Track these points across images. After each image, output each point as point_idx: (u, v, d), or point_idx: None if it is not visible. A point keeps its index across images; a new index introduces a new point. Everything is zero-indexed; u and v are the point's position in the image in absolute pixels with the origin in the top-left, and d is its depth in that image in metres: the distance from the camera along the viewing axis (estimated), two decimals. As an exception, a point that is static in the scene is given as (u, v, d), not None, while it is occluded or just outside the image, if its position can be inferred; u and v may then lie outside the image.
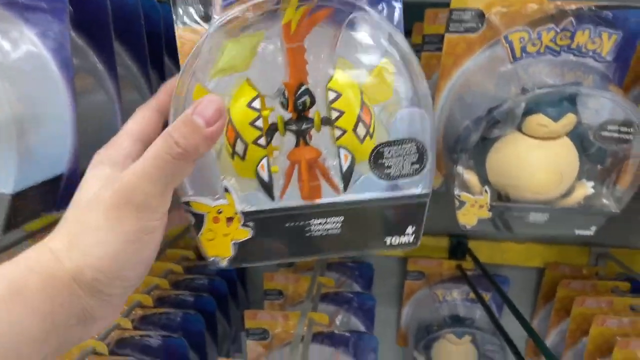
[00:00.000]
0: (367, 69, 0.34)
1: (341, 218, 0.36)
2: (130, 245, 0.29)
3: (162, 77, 0.58)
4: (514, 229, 0.51)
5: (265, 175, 0.35)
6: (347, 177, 0.35)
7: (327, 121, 0.34)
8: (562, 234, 0.50)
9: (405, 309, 0.98)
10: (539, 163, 0.48)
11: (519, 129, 0.48)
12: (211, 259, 0.36)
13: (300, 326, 0.65)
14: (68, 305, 0.28)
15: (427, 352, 0.93)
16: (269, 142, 0.35)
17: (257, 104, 0.33)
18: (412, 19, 0.78)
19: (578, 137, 0.48)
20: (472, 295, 0.91)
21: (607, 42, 0.46)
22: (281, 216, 0.36)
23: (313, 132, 0.35)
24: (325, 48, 0.33)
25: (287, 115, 0.35)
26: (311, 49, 0.33)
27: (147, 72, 0.53)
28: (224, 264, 0.36)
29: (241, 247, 0.36)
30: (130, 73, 0.53)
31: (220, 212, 0.35)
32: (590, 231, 0.50)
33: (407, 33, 0.81)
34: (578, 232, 0.50)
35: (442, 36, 0.69)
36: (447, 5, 0.73)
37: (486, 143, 0.50)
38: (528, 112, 0.46)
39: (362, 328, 0.83)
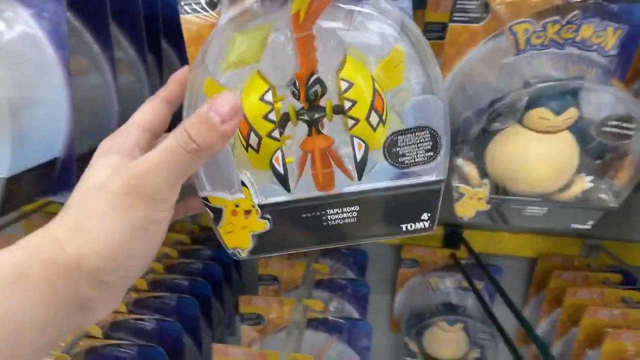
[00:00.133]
0: (378, 56, 0.33)
1: (357, 207, 0.36)
2: (136, 234, 0.29)
3: (160, 60, 0.57)
4: (511, 222, 0.51)
5: (280, 168, 0.35)
6: (361, 166, 0.35)
7: (339, 109, 0.34)
8: (559, 227, 0.50)
9: (399, 296, 0.98)
10: (539, 156, 0.47)
11: (520, 122, 0.48)
12: (231, 250, 0.37)
13: (295, 312, 0.65)
14: (69, 293, 0.28)
15: (418, 338, 0.94)
16: (282, 133, 0.34)
17: (269, 97, 0.33)
18: (413, 6, 0.77)
19: (579, 131, 0.48)
20: (464, 283, 0.92)
21: (612, 36, 0.46)
22: (297, 207, 0.36)
23: (325, 120, 0.35)
24: (335, 34, 0.33)
25: (299, 104, 0.34)
26: (321, 35, 0.33)
27: (144, 54, 0.52)
28: (243, 255, 0.37)
29: (260, 238, 0.37)
30: (127, 55, 0.52)
31: (238, 206, 0.35)
32: (587, 225, 0.50)
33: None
34: (575, 226, 0.51)
35: (445, 24, 0.68)
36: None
37: (487, 135, 0.49)
38: (530, 105, 0.46)
39: (355, 314, 0.84)
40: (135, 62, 0.53)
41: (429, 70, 0.34)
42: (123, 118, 0.47)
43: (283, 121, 0.34)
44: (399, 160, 0.35)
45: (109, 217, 0.28)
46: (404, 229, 0.37)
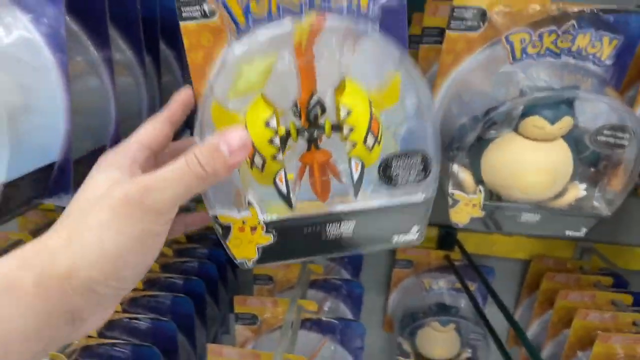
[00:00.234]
0: (375, 79, 0.35)
1: (353, 223, 0.39)
2: (132, 246, 0.29)
3: (157, 62, 0.57)
4: (505, 229, 0.52)
5: (283, 187, 0.37)
6: (357, 185, 0.38)
7: (337, 127, 0.36)
8: (553, 235, 0.51)
9: (393, 296, 0.99)
10: (533, 164, 0.48)
11: (515, 130, 0.48)
12: (239, 260, 0.40)
13: (289, 313, 0.66)
14: (59, 304, 0.28)
15: (411, 338, 0.95)
16: (284, 153, 0.36)
17: (273, 122, 0.34)
18: (411, 9, 0.77)
19: (573, 139, 0.48)
20: (458, 284, 0.92)
21: (607, 46, 0.46)
22: (299, 223, 0.39)
23: (323, 136, 0.37)
24: (335, 56, 0.34)
25: (299, 122, 0.36)
26: (321, 56, 0.34)
27: (142, 57, 0.52)
28: (250, 264, 0.40)
29: (265, 250, 0.39)
30: (125, 57, 0.52)
31: (245, 222, 0.38)
32: (581, 232, 0.51)
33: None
34: (568, 233, 0.51)
35: (442, 29, 0.69)
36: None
37: (482, 143, 0.50)
38: (525, 113, 0.47)
39: (349, 315, 0.84)
40: (133, 64, 0.52)
41: (421, 96, 0.36)
42: (120, 121, 0.47)
43: (285, 140, 0.36)
44: (392, 181, 0.38)
45: (106, 227, 0.28)
46: (394, 241, 0.41)
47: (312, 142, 0.37)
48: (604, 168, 0.49)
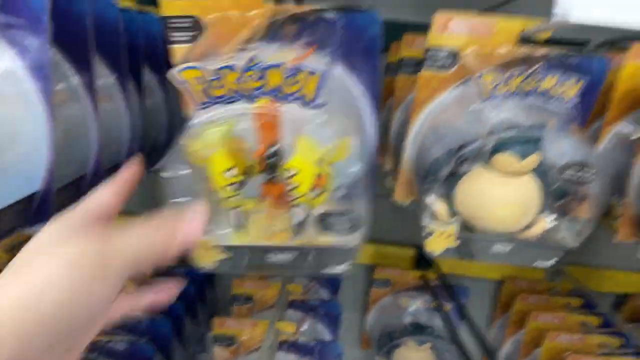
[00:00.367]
0: (328, 141, 0.40)
1: (292, 254, 0.46)
2: (75, 285, 0.27)
3: (139, 86, 0.58)
4: (478, 259, 0.54)
5: (235, 221, 0.44)
6: (299, 228, 0.44)
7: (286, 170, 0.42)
8: (524, 264, 0.53)
9: (370, 314, 1.00)
10: (503, 198, 0.50)
11: (486, 165, 0.50)
12: (199, 265, 0.47)
13: (267, 335, 0.67)
14: None
15: (388, 357, 0.96)
16: (241, 187, 0.42)
17: (231, 173, 0.41)
18: (390, 38, 0.79)
19: (541, 174, 0.51)
20: (433, 304, 0.94)
21: (572, 87, 0.49)
22: (247, 249, 0.46)
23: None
24: (295, 117, 0.40)
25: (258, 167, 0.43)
26: (283, 115, 0.39)
27: (124, 83, 0.53)
28: (207, 269, 0.47)
29: (220, 262, 0.46)
30: (107, 83, 0.52)
31: (206, 244, 0.45)
32: (550, 263, 0.53)
33: (385, 50, 0.82)
34: (538, 263, 0.53)
35: (419, 60, 0.71)
36: (423, 27, 0.75)
37: (455, 176, 0.52)
38: (495, 149, 0.49)
39: (327, 335, 0.85)
40: (115, 90, 0.53)
41: (366, 161, 0.43)
42: (102, 149, 0.48)
43: (242, 185, 0.42)
44: (329, 229, 0.44)
45: (48, 264, 0.27)
46: (326, 271, 0.47)
47: (271, 180, 0.43)
48: (571, 201, 0.52)
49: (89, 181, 0.47)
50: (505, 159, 0.49)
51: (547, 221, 0.53)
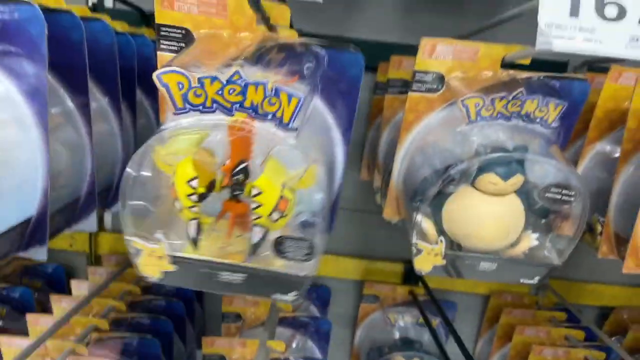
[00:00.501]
0: (296, 167, 0.41)
1: (244, 275, 0.45)
2: None
3: (133, 108, 0.59)
4: (465, 276, 0.55)
5: (192, 232, 0.44)
6: (255, 248, 0.44)
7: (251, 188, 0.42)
8: (509, 281, 0.55)
9: (359, 330, 1.01)
10: (488, 217, 0.52)
11: (472, 184, 0.52)
12: (143, 274, 0.45)
13: (259, 354, 0.67)
14: None
15: (377, 373, 0.96)
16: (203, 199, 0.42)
17: (194, 183, 0.41)
18: (377, 58, 0.82)
19: (525, 194, 0.52)
20: (421, 319, 0.95)
21: (553, 111, 0.51)
22: (199, 264, 0.45)
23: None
24: (267, 139, 0.40)
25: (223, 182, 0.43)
26: (256, 133, 0.40)
27: (118, 105, 0.54)
28: (152, 279, 0.45)
29: (168, 274, 0.45)
30: (101, 106, 0.53)
31: (154, 252, 0.44)
32: (534, 280, 0.55)
33: (373, 70, 0.85)
34: (523, 280, 0.55)
35: (405, 81, 0.73)
36: (410, 48, 0.77)
37: (442, 195, 0.53)
38: (481, 170, 0.50)
39: (317, 352, 0.86)
40: (109, 112, 0.54)
41: (328, 193, 0.43)
42: (96, 172, 0.48)
43: (203, 197, 0.42)
44: (282, 254, 0.44)
45: None
46: (275, 297, 0.46)
47: (234, 197, 0.43)
48: (554, 220, 0.54)
49: (82, 204, 0.48)
50: (489, 179, 0.50)
51: (533, 238, 0.54)
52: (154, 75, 0.37)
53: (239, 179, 0.41)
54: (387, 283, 0.98)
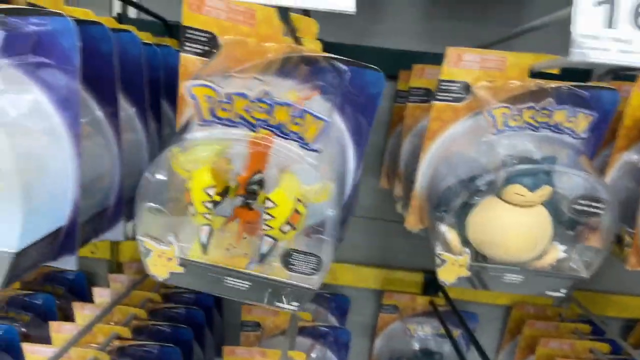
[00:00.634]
0: (311, 183, 0.41)
1: (250, 283, 0.46)
2: None
3: (158, 118, 0.59)
4: (490, 288, 0.54)
5: (203, 237, 0.44)
6: (263, 257, 0.45)
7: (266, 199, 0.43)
8: (535, 294, 0.54)
9: (378, 340, 1.00)
10: (515, 229, 0.51)
11: (498, 195, 0.51)
12: (151, 274, 0.46)
13: (278, 364, 0.67)
14: None
15: (396, 384, 0.95)
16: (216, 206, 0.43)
17: (211, 191, 0.41)
18: (398, 66, 0.82)
19: (552, 205, 0.51)
20: (442, 330, 0.94)
21: (583, 121, 0.50)
22: (207, 267, 0.45)
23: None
24: (284, 153, 0.40)
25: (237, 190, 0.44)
26: (274, 146, 0.40)
27: (145, 115, 0.54)
28: (159, 279, 0.46)
29: (175, 275, 0.46)
30: (128, 116, 0.54)
31: (163, 253, 0.45)
32: (561, 293, 0.54)
33: (393, 78, 0.84)
34: (549, 293, 0.54)
35: (427, 90, 0.73)
36: (430, 56, 0.77)
37: (467, 206, 0.53)
38: (507, 181, 0.50)
39: (336, 362, 0.85)
40: (136, 121, 0.55)
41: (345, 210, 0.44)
42: (124, 181, 0.49)
43: (217, 205, 0.42)
44: (289, 266, 0.44)
45: None
46: (278, 304, 0.47)
47: (247, 205, 0.44)
48: (581, 232, 0.53)
49: (110, 213, 0.48)
50: (516, 190, 0.50)
51: (560, 250, 0.53)
52: (185, 86, 0.37)
53: (254, 189, 0.42)
54: (407, 293, 0.97)
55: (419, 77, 0.71)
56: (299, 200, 0.41)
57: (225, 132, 0.40)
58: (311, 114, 0.38)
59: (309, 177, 0.41)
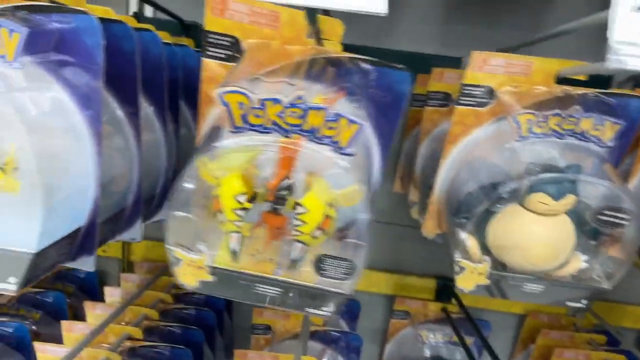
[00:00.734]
0: (342, 187, 0.41)
1: (281, 289, 0.45)
2: None
3: (176, 118, 0.59)
4: (509, 297, 0.53)
5: (234, 245, 0.44)
6: (294, 263, 0.44)
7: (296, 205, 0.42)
8: (555, 304, 0.53)
9: (389, 346, 0.99)
10: (537, 238, 0.50)
11: (521, 203, 0.50)
12: (180, 282, 0.46)
13: (290, 369, 0.66)
14: None
15: (407, 391, 0.94)
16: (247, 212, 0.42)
17: (242, 198, 0.41)
18: (414, 69, 0.81)
19: (576, 214, 0.50)
20: (454, 337, 0.93)
21: (609, 129, 0.49)
22: (236, 275, 0.45)
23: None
24: (315, 158, 0.40)
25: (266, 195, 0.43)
26: (304, 151, 0.40)
27: (164, 115, 0.54)
28: (189, 288, 0.46)
29: (204, 283, 0.45)
30: (146, 115, 0.53)
31: (193, 262, 0.44)
32: (581, 304, 0.53)
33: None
34: (570, 304, 0.53)
35: (446, 94, 0.72)
36: (447, 59, 0.76)
37: (488, 213, 0.52)
38: (531, 189, 0.49)
39: (347, 367, 0.84)
40: (155, 122, 0.54)
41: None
42: (142, 181, 0.48)
43: (247, 211, 0.42)
44: (321, 272, 0.44)
45: None
46: (310, 310, 0.46)
47: (274, 210, 0.43)
48: (605, 242, 0.51)
49: (128, 213, 0.48)
50: (540, 198, 0.49)
51: (582, 260, 0.52)
52: (216, 93, 0.37)
53: (283, 194, 0.42)
54: (419, 299, 0.96)
55: (438, 80, 0.70)
56: (330, 204, 0.41)
57: (255, 139, 0.40)
58: (346, 117, 0.38)
59: (339, 181, 0.40)
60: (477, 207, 0.51)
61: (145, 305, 0.80)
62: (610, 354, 0.84)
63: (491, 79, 0.50)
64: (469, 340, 0.92)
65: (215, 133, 0.42)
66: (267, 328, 0.87)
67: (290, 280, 0.45)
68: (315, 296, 0.45)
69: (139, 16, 0.84)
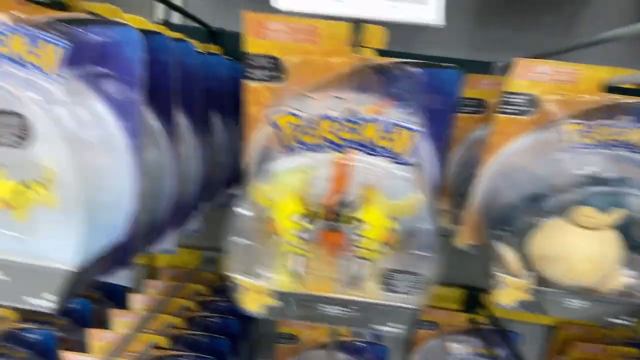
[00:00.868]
0: (399, 198, 0.40)
1: (346, 308, 0.44)
2: None
3: (209, 128, 0.58)
4: (550, 314, 0.51)
5: (298, 267, 0.43)
6: (354, 279, 0.43)
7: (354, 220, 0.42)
8: (599, 321, 0.51)
9: (415, 356, 0.97)
10: (583, 253, 0.48)
11: (566, 216, 0.48)
12: (245, 309, 0.45)
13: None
14: None
15: (434, 402, 0.92)
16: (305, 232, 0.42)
17: (302, 220, 0.41)
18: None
19: (623, 227, 0.48)
20: (482, 349, 0.91)
21: (660, 140, 0.47)
22: (300, 297, 0.45)
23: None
24: (372, 170, 0.39)
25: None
26: (359, 165, 0.39)
27: (197, 126, 0.53)
28: (255, 314, 0.46)
29: (269, 308, 0.45)
30: (180, 126, 0.52)
31: (254, 287, 0.44)
32: (627, 321, 0.50)
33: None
34: (614, 321, 0.51)
35: (480, 100, 0.70)
36: (480, 64, 0.74)
37: (530, 225, 0.50)
38: (577, 202, 0.47)
39: (374, 378, 0.83)
40: (189, 132, 0.53)
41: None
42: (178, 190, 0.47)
43: (305, 232, 0.41)
44: (389, 288, 0.43)
45: None
46: (375, 328, 0.45)
47: (332, 227, 0.42)
48: (652, 257, 0.49)
49: (163, 225, 0.47)
50: (586, 212, 0.47)
51: (628, 276, 0.50)
52: (266, 116, 0.36)
53: (340, 210, 0.41)
54: (446, 309, 0.94)
55: (473, 87, 0.68)
56: (391, 217, 0.40)
57: (308, 157, 0.40)
58: (401, 126, 0.37)
59: (398, 192, 0.39)
60: (519, 219, 0.49)
61: (170, 312, 0.80)
62: (646, 368, 0.82)
63: (535, 87, 0.48)
64: (499, 352, 0.90)
65: (266, 155, 0.41)
66: (291, 337, 0.85)
67: (356, 298, 0.44)
68: (384, 314, 0.44)
69: (166, 24, 0.84)
